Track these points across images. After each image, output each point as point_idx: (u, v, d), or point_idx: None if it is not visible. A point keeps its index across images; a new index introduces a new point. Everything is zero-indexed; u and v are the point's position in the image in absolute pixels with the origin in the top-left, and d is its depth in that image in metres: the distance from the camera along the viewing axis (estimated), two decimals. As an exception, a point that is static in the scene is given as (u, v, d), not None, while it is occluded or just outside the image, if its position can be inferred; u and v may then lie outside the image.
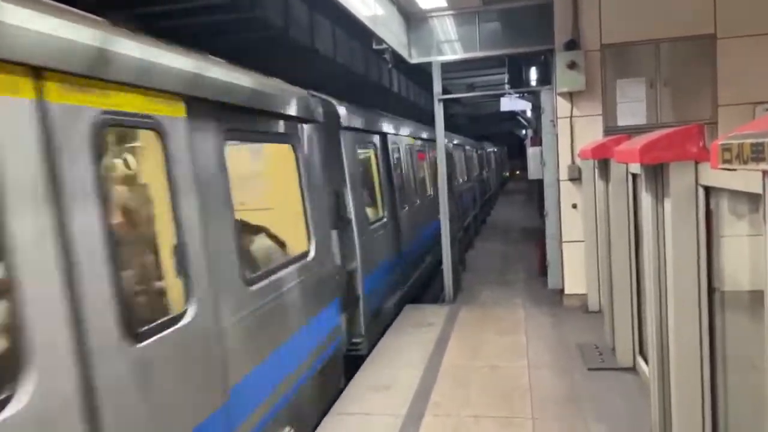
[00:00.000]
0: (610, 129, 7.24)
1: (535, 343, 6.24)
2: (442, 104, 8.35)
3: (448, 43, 8.29)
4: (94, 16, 2.66)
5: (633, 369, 5.30)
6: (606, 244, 5.89)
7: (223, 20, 4.78)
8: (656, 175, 3.50)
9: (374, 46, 7.42)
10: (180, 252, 3.04)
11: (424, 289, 9.85)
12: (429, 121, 10.15)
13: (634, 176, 4.88)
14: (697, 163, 3.15)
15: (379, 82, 11.69)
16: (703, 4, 7.00)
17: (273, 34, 5.46)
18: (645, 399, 4.33)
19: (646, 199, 3.69)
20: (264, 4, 4.97)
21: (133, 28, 2.88)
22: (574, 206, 7.54)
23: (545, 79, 8.59)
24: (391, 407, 4.90)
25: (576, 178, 7.43)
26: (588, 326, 6.64)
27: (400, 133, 9.36)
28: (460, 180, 15.99)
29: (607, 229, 5.83)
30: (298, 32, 6.89)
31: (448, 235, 8.42)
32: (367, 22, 6.39)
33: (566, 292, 7.70)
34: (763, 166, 1.68)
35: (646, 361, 4.76)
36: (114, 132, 2.97)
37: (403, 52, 8.10)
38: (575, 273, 7.56)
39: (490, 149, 30.02)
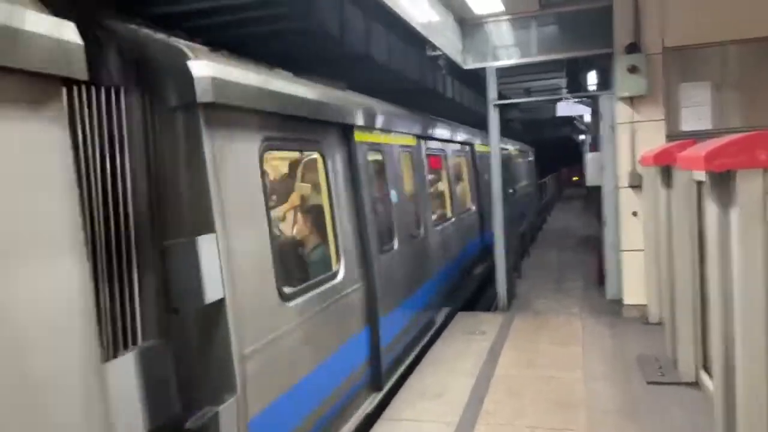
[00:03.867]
0: (673, 134, 6.99)
1: (592, 354, 6.08)
2: (497, 110, 8.27)
3: (504, 48, 8.21)
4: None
5: (695, 384, 5.09)
6: (667, 254, 5.69)
7: (274, 30, 4.84)
8: (722, 182, 3.36)
9: (428, 53, 7.43)
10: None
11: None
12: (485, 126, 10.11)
13: (699, 183, 4.70)
14: (765, 171, 3.02)
15: (434, 88, 11.66)
16: (774, 3, 6.68)
17: (329, 44, 5.54)
18: (707, 416, 4.15)
19: (711, 208, 3.56)
20: (320, 14, 5.03)
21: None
22: (635, 214, 7.31)
23: (604, 83, 8.39)
24: (442, 415, 4.88)
25: (636, 185, 7.21)
26: (648, 338, 6.43)
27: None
28: (521, 183, 15.89)
29: (668, 237, 5.63)
30: (354, 40, 6.96)
31: (503, 240, 8.32)
32: (421, 30, 6.40)
33: (625, 302, 7.47)
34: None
35: (711, 376, 4.57)
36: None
37: (458, 58, 8.07)
38: (635, 283, 7.32)
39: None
